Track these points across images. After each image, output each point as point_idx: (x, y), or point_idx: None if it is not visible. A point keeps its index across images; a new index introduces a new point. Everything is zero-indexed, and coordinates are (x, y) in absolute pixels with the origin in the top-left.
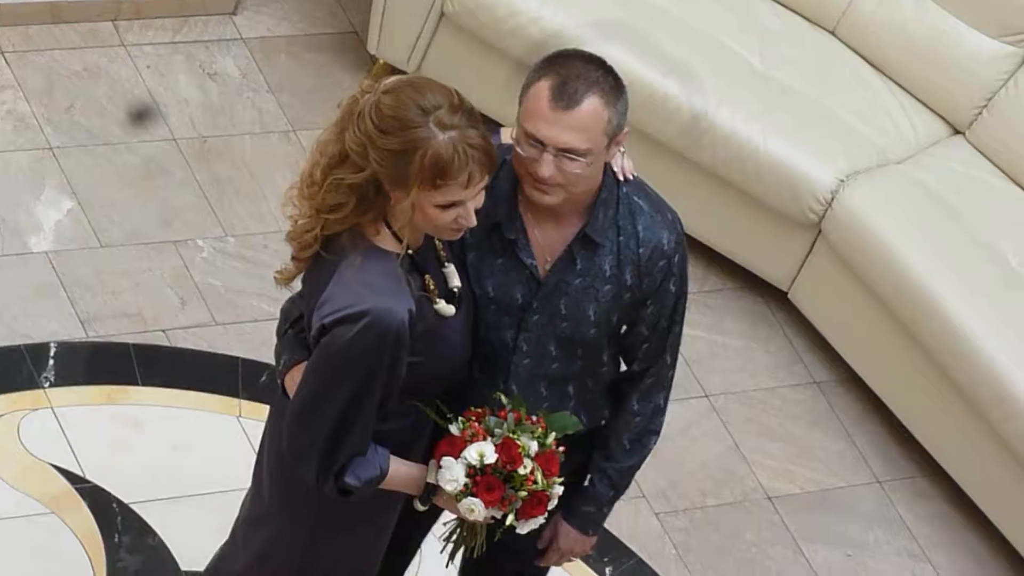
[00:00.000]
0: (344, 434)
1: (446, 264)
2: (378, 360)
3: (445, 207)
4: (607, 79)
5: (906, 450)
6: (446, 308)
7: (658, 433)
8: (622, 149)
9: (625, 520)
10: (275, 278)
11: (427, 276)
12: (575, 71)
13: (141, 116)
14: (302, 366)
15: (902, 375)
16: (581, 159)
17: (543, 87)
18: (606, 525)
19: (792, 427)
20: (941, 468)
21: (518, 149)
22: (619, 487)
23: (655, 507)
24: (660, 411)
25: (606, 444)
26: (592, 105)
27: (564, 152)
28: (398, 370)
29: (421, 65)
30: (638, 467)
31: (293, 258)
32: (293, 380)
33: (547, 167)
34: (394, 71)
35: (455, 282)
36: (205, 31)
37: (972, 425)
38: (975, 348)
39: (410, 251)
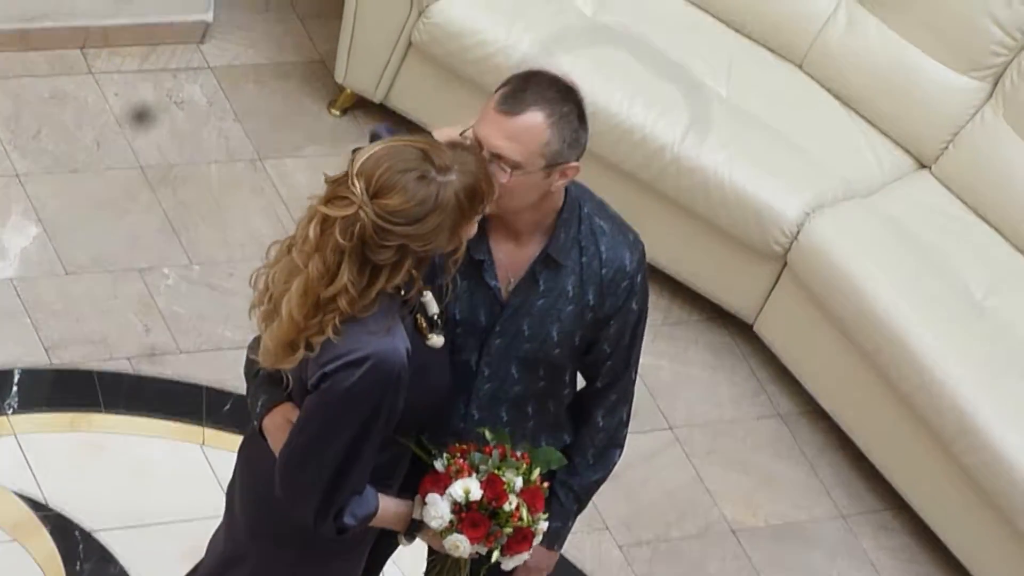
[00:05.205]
0: (345, 477)
1: (424, 292)
2: (381, 403)
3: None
4: (564, 104)
5: (870, 483)
6: (437, 341)
7: (621, 447)
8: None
9: (588, 551)
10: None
11: (418, 316)
12: (534, 85)
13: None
14: (281, 408)
15: (866, 408)
16: (507, 169)
17: (499, 92)
18: (568, 556)
19: (756, 459)
20: (904, 501)
21: None
22: (583, 501)
23: (618, 538)
24: (623, 424)
25: (570, 461)
26: (532, 119)
27: (495, 157)
28: (397, 410)
29: (389, 94)
30: (603, 480)
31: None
32: (274, 423)
33: None
34: (361, 100)
35: (434, 309)
36: (172, 59)
37: (935, 458)
38: (938, 380)
39: (401, 291)
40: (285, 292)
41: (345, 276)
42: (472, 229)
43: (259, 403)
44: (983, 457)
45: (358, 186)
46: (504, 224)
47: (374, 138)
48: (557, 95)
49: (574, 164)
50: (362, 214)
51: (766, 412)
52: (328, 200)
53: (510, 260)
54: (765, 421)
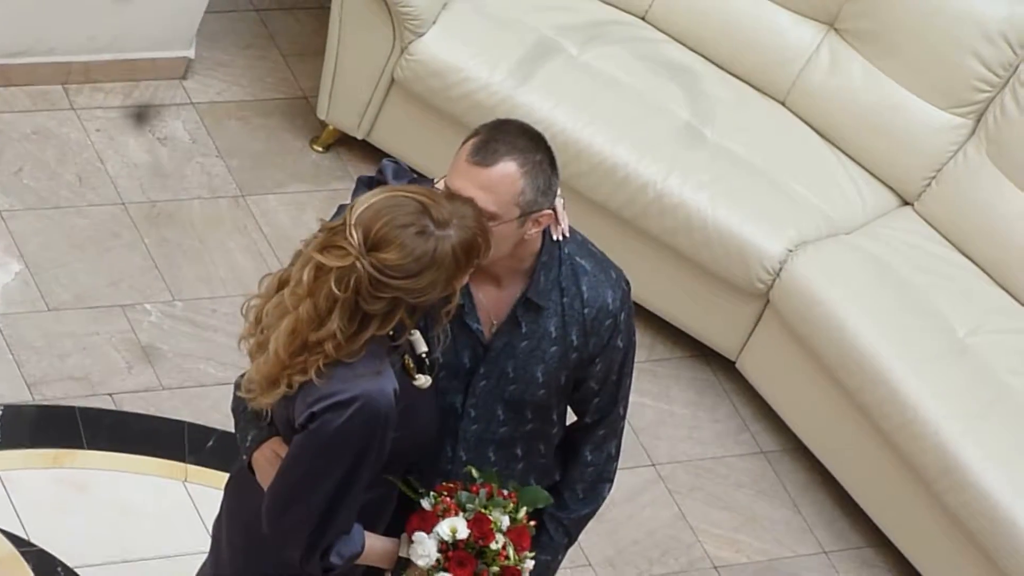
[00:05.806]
0: (333, 516)
1: (412, 332)
2: (369, 443)
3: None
4: (535, 153)
5: (852, 520)
6: (424, 381)
7: (611, 481)
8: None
9: None
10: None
11: (406, 356)
12: (504, 136)
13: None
14: (271, 442)
15: (849, 445)
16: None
17: (469, 143)
18: None
19: (739, 496)
20: (887, 538)
21: None
22: (573, 535)
23: None
24: (612, 459)
25: (559, 495)
26: (506, 169)
27: None
28: (385, 450)
29: (371, 131)
30: (593, 515)
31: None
32: (264, 456)
33: None
34: (343, 137)
35: (422, 348)
36: (155, 95)
37: (917, 495)
38: (920, 419)
39: (391, 333)
40: (276, 328)
41: (335, 323)
42: (464, 279)
43: (248, 438)
44: (965, 496)
45: (355, 237)
46: (482, 268)
47: (381, 172)
48: (528, 144)
49: (547, 212)
50: (358, 266)
51: (749, 449)
52: (324, 248)
53: (492, 302)
54: (748, 458)
